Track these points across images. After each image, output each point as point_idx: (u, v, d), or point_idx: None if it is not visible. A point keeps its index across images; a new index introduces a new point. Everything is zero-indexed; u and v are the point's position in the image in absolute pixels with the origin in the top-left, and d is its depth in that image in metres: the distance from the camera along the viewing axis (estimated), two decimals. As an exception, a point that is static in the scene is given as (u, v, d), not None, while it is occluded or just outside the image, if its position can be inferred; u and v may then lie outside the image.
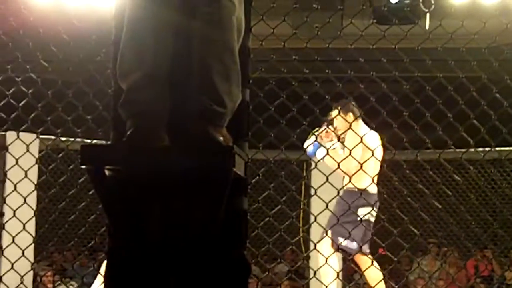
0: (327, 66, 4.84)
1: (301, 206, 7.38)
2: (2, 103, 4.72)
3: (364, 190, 5.91)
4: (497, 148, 5.62)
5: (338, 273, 5.55)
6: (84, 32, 4.76)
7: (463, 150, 5.04)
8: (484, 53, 4.93)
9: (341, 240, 5.98)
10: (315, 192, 5.28)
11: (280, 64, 4.70)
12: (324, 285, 5.47)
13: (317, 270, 5.20)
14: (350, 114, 6.09)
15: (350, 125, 5.56)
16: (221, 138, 2.42)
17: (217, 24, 2.46)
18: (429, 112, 4.69)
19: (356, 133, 5.44)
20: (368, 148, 5.54)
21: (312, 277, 5.12)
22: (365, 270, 6.07)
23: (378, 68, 4.85)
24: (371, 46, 4.53)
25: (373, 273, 6.05)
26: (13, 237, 4.72)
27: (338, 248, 5.99)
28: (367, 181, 5.65)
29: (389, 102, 4.72)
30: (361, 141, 5.35)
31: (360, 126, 6.06)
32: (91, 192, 4.62)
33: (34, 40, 4.70)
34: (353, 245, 6.07)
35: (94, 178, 2.42)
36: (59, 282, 9.81)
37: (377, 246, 6.14)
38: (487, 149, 5.68)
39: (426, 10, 8.63)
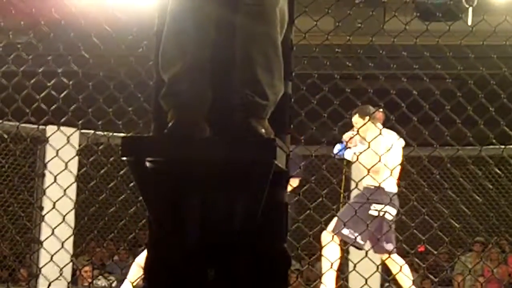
0: (370, 61, 4.81)
1: (341, 200, 7.39)
2: (42, 95, 4.74)
3: (380, 187, 6.07)
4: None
5: (332, 263, 5.78)
6: (126, 24, 4.76)
7: (504, 146, 4.99)
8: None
9: (344, 230, 6.14)
10: (356, 185, 5.30)
11: (323, 59, 4.67)
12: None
13: (355, 263, 5.18)
14: (367, 117, 6.40)
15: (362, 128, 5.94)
16: (263, 131, 2.40)
17: (260, 16, 2.45)
18: (471, 107, 4.64)
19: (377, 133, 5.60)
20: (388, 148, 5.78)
21: (351, 271, 5.10)
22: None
23: (421, 63, 4.81)
24: (415, 41, 4.49)
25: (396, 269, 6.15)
26: (53, 229, 4.74)
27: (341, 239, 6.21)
28: (384, 179, 5.83)
29: (431, 97, 4.68)
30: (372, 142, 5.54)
31: (378, 127, 6.23)
32: (131, 185, 4.62)
33: (76, 32, 4.72)
34: (352, 235, 6.19)
35: (135, 170, 2.41)
36: (99, 276, 9.87)
37: (417, 243, 6.13)
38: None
39: (469, 6, 8.57)
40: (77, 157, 5.61)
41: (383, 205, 6.21)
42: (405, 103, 4.63)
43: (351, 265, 5.46)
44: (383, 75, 4.78)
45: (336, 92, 4.66)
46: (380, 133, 5.48)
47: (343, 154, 6.71)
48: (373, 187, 6.18)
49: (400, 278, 6.26)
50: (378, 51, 4.72)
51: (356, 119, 6.45)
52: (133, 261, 7.03)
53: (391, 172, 5.81)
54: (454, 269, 10.23)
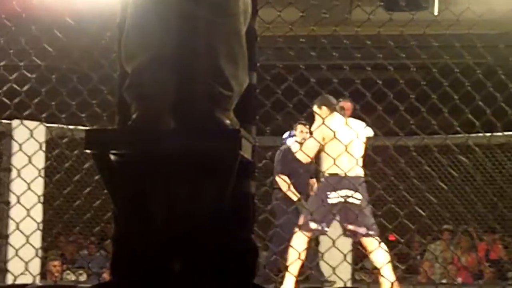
0: (335, 51, 4.82)
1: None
2: (4, 89, 4.68)
3: (337, 175, 6.12)
4: (505, 133, 5.60)
5: (299, 253, 5.97)
6: (88, 16, 4.72)
7: (469, 135, 5.03)
8: (491, 37, 4.91)
9: (312, 224, 6.27)
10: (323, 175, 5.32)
11: (287, 49, 4.67)
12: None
13: (323, 253, 5.22)
14: (324, 107, 6.42)
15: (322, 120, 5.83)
16: (228, 122, 2.39)
17: (223, 8, 2.43)
18: (435, 95, 4.67)
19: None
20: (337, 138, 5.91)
21: (319, 260, 5.14)
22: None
23: (385, 53, 4.82)
24: (378, 30, 4.50)
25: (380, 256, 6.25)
26: (17, 224, 4.69)
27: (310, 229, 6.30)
28: (342, 166, 5.93)
29: (396, 87, 4.70)
30: (321, 132, 5.64)
31: (334, 118, 6.25)
32: (97, 178, 4.60)
33: (37, 25, 4.67)
34: (319, 227, 6.30)
35: (99, 163, 2.39)
36: (67, 271, 9.81)
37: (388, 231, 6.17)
38: (494, 134, 5.65)
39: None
40: (43, 151, 5.55)
41: (341, 192, 6.25)
42: (370, 92, 4.65)
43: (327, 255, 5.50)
44: (347, 65, 4.79)
45: (301, 83, 4.67)
46: (348, 123, 5.53)
47: (286, 143, 6.78)
48: (328, 175, 6.27)
49: (375, 260, 6.30)
50: (342, 41, 4.73)
51: (315, 109, 6.46)
52: (101, 254, 7.04)
53: (350, 158, 5.90)
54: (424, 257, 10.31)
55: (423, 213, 5.88)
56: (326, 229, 6.30)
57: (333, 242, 5.24)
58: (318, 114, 6.18)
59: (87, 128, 2.53)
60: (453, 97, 4.72)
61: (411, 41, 4.80)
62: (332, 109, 6.48)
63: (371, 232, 6.32)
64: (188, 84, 2.38)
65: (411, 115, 4.70)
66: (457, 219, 9.63)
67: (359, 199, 6.39)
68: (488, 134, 5.45)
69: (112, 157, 2.37)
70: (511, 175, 8.89)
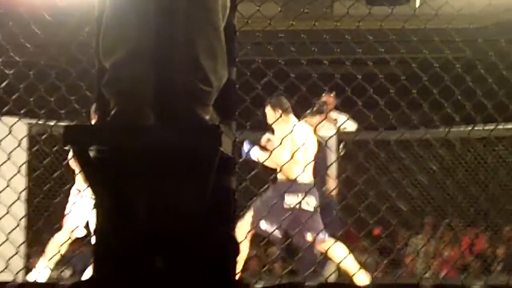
0: (315, 46, 4.82)
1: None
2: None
3: (294, 180, 6.15)
4: (485, 127, 5.63)
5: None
6: (66, 10, 4.69)
7: (449, 128, 5.05)
8: (470, 32, 4.93)
9: (262, 224, 6.28)
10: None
11: (266, 44, 4.66)
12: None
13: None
14: (278, 109, 6.37)
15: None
16: (207, 117, 2.39)
17: (201, 2, 2.42)
18: (415, 90, 4.69)
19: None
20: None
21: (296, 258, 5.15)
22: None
23: (364, 47, 4.83)
24: (357, 24, 4.51)
25: (337, 253, 6.31)
26: None
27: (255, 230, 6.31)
28: (297, 172, 5.97)
29: (376, 81, 4.71)
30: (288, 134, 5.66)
31: (290, 120, 6.26)
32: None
33: (14, 20, 4.63)
34: (270, 229, 6.27)
35: (79, 159, 2.38)
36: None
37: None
38: (474, 128, 5.68)
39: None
40: (24, 148, 5.51)
41: (296, 197, 6.27)
42: (349, 87, 4.66)
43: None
44: (327, 60, 4.80)
45: (281, 78, 4.67)
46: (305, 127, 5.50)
47: (250, 155, 6.65)
48: (285, 180, 6.29)
49: (338, 257, 6.32)
50: (322, 35, 4.74)
51: (267, 110, 6.41)
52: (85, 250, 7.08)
53: (305, 163, 5.90)
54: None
55: (403, 207, 5.91)
56: (279, 236, 6.32)
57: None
58: (274, 117, 6.15)
59: (66, 124, 2.51)
60: (433, 91, 4.74)
61: (390, 36, 4.81)
62: (288, 112, 6.45)
63: (326, 236, 6.39)
64: (167, 79, 2.37)
65: (391, 109, 4.71)
66: (439, 213, 9.68)
67: (311, 205, 6.43)
68: (468, 128, 5.48)
69: (91, 153, 2.36)
70: (492, 168, 8.94)
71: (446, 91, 4.81)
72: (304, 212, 6.34)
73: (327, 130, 7.46)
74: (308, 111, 7.56)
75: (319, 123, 6.79)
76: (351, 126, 8.00)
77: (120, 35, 2.40)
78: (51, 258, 6.68)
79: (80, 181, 6.62)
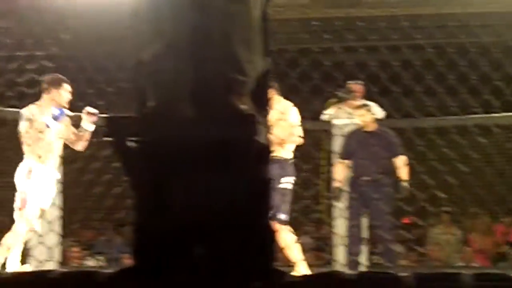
0: (349, 34, 4.81)
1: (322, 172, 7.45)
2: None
3: (287, 160, 6.24)
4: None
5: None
6: (103, 4, 4.74)
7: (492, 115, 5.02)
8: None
9: (282, 215, 6.29)
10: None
11: (302, 33, 4.67)
12: None
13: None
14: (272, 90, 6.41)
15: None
16: (243, 107, 2.40)
17: None
18: (451, 77, 4.67)
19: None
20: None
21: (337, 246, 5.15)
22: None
23: (402, 34, 4.82)
24: (392, 11, 4.49)
25: (286, 239, 6.39)
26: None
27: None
28: (289, 151, 6.07)
29: (412, 68, 4.69)
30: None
31: (281, 101, 6.28)
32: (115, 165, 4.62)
33: (54, 16, 4.68)
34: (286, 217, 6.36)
35: (118, 150, 2.42)
36: (87, 257, 9.88)
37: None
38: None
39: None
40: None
41: (291, 177, 6.32)
42: (385, 75, 4.64)
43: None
44: (362, 47, 4.78)
45: (316, 66, 4.67)
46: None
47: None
48: (280, 159, 6.23)
49: (288, 251, 6.35)
50: (356, 23, 4.72)
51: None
52: (119, 240, 7.10)
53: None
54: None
55: (443, 195, 5.88)
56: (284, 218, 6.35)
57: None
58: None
59: (107, 116, 2.55)
60: (471, 78, 4.71)
61: (426, 21, 4.78)
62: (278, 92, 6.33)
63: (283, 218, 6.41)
64: (204, 70, 2.40)
65: (427, 97, 4.69)
66: (477, 201, 9.59)
67: (284, 182, 6.41)
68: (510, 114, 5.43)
69: (130, 144, 2.40)
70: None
71: (484, 77, 4.77)
72: (288, 191, 6.38)
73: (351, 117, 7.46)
74: (333, 99, 7.56)
75: (348, 109, 6.80)
76: (378, 113, 7.97)
77: (156, 29, 2.42)
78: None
79: (32, 156, 6.22)
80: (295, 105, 5.01)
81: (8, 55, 4.66)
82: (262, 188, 2.50)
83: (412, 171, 6.44)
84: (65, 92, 6.03)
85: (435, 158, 6.57)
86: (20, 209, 6.14)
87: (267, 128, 2.52)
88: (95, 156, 6.12)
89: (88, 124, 6.11)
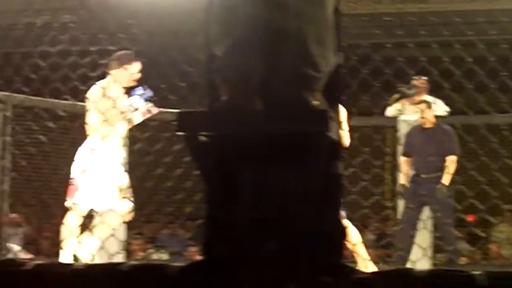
0: (423, 29, 4.75)
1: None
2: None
3: None
4: None
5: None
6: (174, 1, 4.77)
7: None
8: None
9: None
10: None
11: (373, 28, 4.63)
12: None
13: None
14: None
15: None
16: (316, 102, 2.40)
17: None
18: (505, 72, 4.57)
19: None
20: None
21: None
22: None
23: (475, 29, 4.74)
24: (444, 7, 4.42)
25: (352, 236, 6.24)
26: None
27: None
28: None
29: (486, 64, 4.61)
30: None
31: None
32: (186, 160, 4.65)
33: (123, 11, 4.73)
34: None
35: (190, 144, 2.44)
36: (150, 250, 9.99)
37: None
38: None
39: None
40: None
41: None
42: (459, 70, 4.57)
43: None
44: (435, 43, 4.72)
45: (388, 61, 4.62)
46: None
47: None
48: None
49: (354, 248, 6.25)
50: (429, 18, 4.67)
51: None
52: (182, 234, 7.10)
53: None
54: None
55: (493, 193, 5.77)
56: None
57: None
58: None
59: (178, 110, 2.57)
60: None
61: (501, 17, 4.70)
62: None
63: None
64: (276, 65, 2.40)
65: (479, 93, 4.61)
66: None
67: None
68: None
69: (202, 138, 2.42)
70: None
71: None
72: None
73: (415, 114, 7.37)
74: (397, 94, 7.49)
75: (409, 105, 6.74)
76: (442, 110, 7.87)
77: (229, 25, 2.44)
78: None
79: (97, 135, 6.12)
80: (367, 101, 4.97)
81: (82, 49, 4.73)
82: (334, 183, 2.49)
83: (465, 169, 6.36)
84: (134, 70, 5.93)
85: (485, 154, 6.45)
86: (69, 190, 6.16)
87: (339, 123, 2.52)
88: (167, 150, 6.18)
89: (140, 114, 6.06)
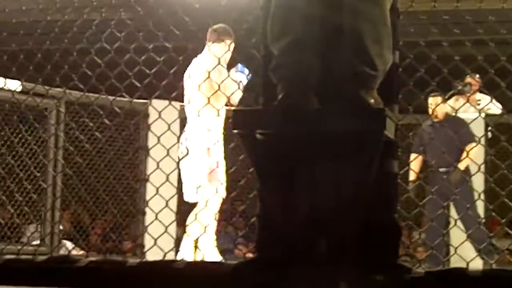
0: (480, 27, 4.70)
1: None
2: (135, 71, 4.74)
3: None
4: None
5: None
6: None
7: None
8: None
9: None
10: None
11: (430, 26, 4.59)
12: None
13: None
14: None
15: None
16: (372, 101, 2.40)
17: None
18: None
19: None
20: None
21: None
22: None
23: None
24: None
25: None
26: (156, 214, 4.69)
27: None
28: None
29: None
30: None
31: None
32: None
33: (164, 7, 4.73)
34: None
35: (246, 142, 2.45)
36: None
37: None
38: None
39: None
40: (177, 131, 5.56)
41: None
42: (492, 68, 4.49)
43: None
44: (492, 41, 4.66)
45: (444, 60, 4.57)
46: None
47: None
48: None
49: None
50: (486, 16, 4.61)
51: None
52: (234, 233, 7.08)
53: None
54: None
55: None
56: None
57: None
58: None
59: (235, 109, 2.59)
60: None
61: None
62: None
63: None
64: (333, 64, 2.40)
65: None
66: None
67: None
68: None
69: (258, 136, 2.42)
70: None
71: None
72: None
73: (470, 112, 7.29)
74: (451, 93, 7.41)
75: (463, 104, 6.66)
76: (495, 108, 7.78)
77: (287, 23, 2.45)
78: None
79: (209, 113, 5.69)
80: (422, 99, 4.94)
81: (138, 46, 4.75)
82: (389, 182, 2.49)
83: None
84: (226, 48, 5.57)
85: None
86: (209, 173, 6.06)
87: (395, 122, 2.51)
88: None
89: (239, 94, 5.50)
